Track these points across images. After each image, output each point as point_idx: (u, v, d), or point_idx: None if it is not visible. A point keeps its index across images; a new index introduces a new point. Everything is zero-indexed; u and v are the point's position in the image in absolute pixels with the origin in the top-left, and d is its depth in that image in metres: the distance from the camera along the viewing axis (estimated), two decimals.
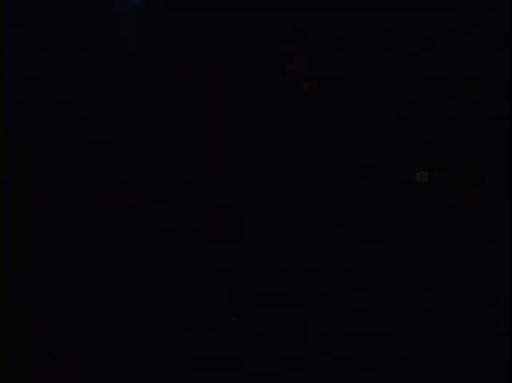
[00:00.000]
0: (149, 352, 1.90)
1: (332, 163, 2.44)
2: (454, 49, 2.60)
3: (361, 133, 2.51)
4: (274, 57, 2.74)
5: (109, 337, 1.94)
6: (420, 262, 2.13)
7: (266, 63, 2.73)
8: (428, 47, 2.62)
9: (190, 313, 2.01)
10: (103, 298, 2.04)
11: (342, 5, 2.75)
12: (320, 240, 2.22)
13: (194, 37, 2.80)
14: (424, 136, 2.45)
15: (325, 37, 2.75)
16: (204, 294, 2.06)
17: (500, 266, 2.05)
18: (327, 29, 2.76)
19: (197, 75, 2.69)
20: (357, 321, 1.99)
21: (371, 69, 2.65)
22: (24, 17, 2.72)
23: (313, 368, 1.87)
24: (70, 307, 2.00)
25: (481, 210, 2.21)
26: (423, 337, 1.94)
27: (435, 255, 2.13)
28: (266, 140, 2.52)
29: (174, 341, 1.93)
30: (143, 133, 2.53)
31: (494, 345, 1.88)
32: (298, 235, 2.24)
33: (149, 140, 2.51)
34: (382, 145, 2.46)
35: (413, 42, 2.64)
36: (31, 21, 2.73)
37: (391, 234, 2.21)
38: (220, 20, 2.81)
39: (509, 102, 2.38)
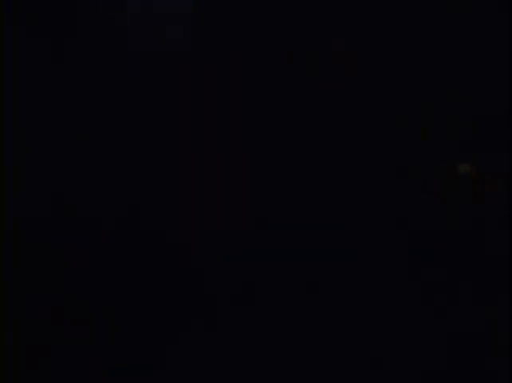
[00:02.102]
0: (148, 351, 1.91)
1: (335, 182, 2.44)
2: (454, 48, 2.60)
3: (360, 134, 2.50)
4: (274, 57, 2.74)
5: (109, 337, 1.94)
6: (420, 262, 2.12)
7: (266, 63, 2.73)
8: (429, 47, 2.62)
9: (184, 314, 2.01)
10: (103, 298, 2.04)
11: (342, 4, 2.75)
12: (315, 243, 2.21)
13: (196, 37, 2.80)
14: (429, 135, 2.45)
15: (326, 37, 2.75)
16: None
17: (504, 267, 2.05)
18: (327, 29, 2.75)
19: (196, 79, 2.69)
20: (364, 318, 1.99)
21: (371, 69, 2.65)
22: (24, 17, 2.72)
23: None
24: (70, 307, 2.00)
25: (485, 208, 2.21)
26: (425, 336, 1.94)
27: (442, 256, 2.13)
28: (265, 142, 2.52)
29: (173, 340, 1.93)
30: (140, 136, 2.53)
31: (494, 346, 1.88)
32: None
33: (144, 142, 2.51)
34: (381, 145, 2.46)
35: (413, 42, 2.64)
36: (31, 21, 2.73)
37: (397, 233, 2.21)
38: (220, 20, 2.81)
39: (509, 102, 2.38)
